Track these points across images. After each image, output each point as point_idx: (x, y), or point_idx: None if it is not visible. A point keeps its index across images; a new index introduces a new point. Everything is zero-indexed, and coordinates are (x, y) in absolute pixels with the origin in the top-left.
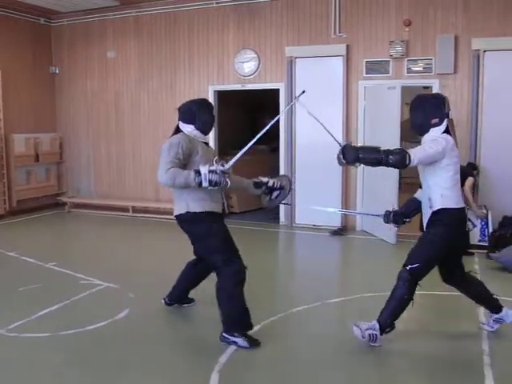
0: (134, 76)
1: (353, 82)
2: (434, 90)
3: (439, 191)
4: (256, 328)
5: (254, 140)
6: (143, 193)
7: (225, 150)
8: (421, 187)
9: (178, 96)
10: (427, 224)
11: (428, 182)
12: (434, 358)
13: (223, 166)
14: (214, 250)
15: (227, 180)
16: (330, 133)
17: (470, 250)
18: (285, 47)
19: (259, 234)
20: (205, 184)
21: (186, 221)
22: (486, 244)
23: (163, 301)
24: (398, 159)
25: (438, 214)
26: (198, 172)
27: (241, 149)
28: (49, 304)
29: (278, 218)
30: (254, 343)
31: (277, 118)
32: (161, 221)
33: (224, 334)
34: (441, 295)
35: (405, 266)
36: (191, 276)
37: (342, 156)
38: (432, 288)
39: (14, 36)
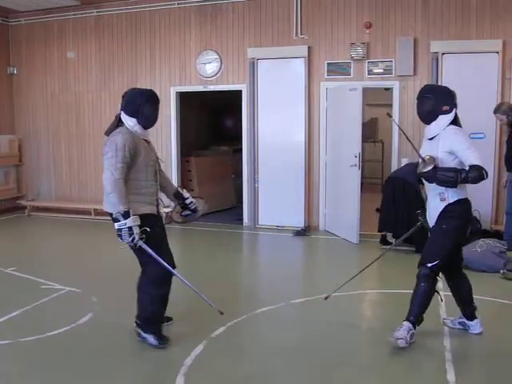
0: (95, 77)
1: (314, 83)
2: (395, 92)
3: None
4: (220, 330)
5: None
6: None
7: (187, 151)
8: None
9: None
10: (438, 217)
11: None
12: (397, 355)
13: (140, 239)
14: (142, 250)
15: (129, 244)
16: (415, 149)
17: None
18: (247, 48)
19: (222, 236)
20: (116, 226)
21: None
22: None
23: (135, 324)
24: (476, 176)
25: (453, 206)
26: (126, 212)
27: (204, 149)
28: (9, 310)
29: (242, 220)
30: (163, 341)
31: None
32: None
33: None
34: (403, 293)
35: (423, 264)
36: None
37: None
38: (394, 286)
39: None
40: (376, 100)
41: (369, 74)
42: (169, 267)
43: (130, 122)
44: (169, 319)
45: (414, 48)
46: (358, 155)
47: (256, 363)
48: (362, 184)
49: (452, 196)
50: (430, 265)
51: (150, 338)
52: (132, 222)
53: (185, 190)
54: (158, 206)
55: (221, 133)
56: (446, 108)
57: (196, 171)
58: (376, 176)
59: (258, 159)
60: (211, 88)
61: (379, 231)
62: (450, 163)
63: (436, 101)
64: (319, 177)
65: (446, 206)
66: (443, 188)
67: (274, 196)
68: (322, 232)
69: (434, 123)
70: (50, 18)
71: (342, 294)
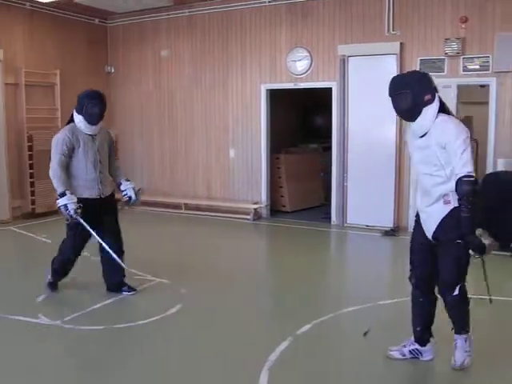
0: (188, 75)
1: None
2: (492, 89)
3: None
4: (306, 327)
5: None
6: (195, 190)
7: (276, 148)
8: None
9: (230, 95)
10: (442, 222)
11: (445, 173)
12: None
13: (75, 212)
14: (69, 232)
15: (69, 220)
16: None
17: None
18: (337, 45)
19: (310, 234)
20: (58, 203)
21: None
22: None
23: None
24: (468, 188)
25: (458, 211)
26: (62, 194)
27: (292, 147)
28: (103, 298)
29: (330, 218)
30: (52, 286)
31: None
32: (213, 218)
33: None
34: (499, 300)
35: (450, 293)
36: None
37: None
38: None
39: (71, 37)
40: (471, 98)
41: (464, 70)
42: (98, 238)
43: (77, 118)
44: (131, 289)
45: None
46: None
47: (340, 362)
48: None
49: (457, 199)
50: (456, 291)
51: (48, 278)
52: (66, 199)
53: (127, 183)
54: (99, 189)
55: (310, 130)
56: (428, 97)
57: (285, 168)
58: None
59: (348, 157)
60: (301, 85)
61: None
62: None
63: (415, 94)
64: (410, 176)
65: (452, 211)
66: (448, 189)
67: (363, 195)
68: (411, 233)
69: (419, 118)
70: (144, 18)
71: None
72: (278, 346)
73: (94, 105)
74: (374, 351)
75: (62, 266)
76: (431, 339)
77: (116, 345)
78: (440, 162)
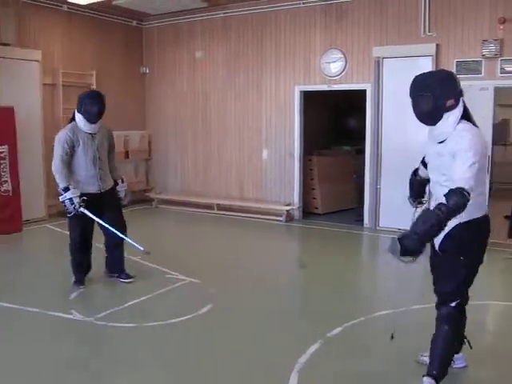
0: (222, 77)
1: None
2: None
3: None
4: (337, 330)
5: None
6: (228, 191)
7: (309, 150)
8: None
9: (264, 96)
10: (447, 237)
11: (449, 183)
12: None
13: (80, 206)
14: (70, 226)
15: (72, 212)
16: None
17: None
18: (372, 47)
19: (342, 237)
20: (60, 199)
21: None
22: None
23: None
24: (459, 201)
25: (467, 227)
26: (65, 188)
27: (325, 149)
28: (135, 296)
29: (362, 221)
30: (77, 283)
31: None
32: (245, 219)
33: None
34: None
35: (445, 303)
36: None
37: (398, 252)
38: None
39: (108, 38)
40: (509, 100)
41: (501, 72)
42: (103, 223)
43: (77, 117)
44: (129, 276)
45: None
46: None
47: (371, 366)
48: (490, 189)
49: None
50: (453, 304)
51: (73, 279)
52: (71, 194)
53: (123, 184)
54: (99, 185)
55: (343, 132)
56: (450, 103)
57: (318, 170)
58: (506, 181)
59: (381, 160)
60: (335, 87)
61: (510, 236)
62: None
63: (436, 98)
64: None
65: (455, 227)
66: None
67: (395, 198)
68: None
69: (440, 123)
70: (179, 20)
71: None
72: (308, 349)
73: (93, 104)
74: (405, 356)
75: (77, 258)
76: (464, 346)
77: (148, 342)
78: (449, 172)
